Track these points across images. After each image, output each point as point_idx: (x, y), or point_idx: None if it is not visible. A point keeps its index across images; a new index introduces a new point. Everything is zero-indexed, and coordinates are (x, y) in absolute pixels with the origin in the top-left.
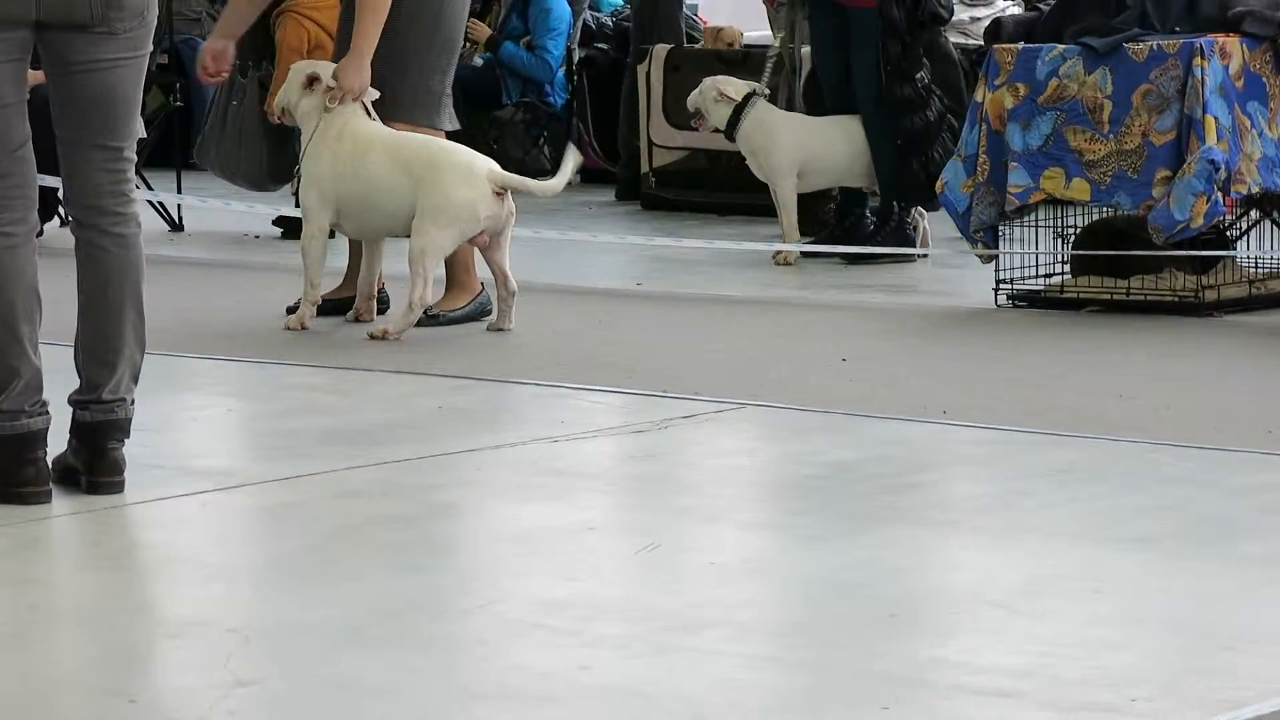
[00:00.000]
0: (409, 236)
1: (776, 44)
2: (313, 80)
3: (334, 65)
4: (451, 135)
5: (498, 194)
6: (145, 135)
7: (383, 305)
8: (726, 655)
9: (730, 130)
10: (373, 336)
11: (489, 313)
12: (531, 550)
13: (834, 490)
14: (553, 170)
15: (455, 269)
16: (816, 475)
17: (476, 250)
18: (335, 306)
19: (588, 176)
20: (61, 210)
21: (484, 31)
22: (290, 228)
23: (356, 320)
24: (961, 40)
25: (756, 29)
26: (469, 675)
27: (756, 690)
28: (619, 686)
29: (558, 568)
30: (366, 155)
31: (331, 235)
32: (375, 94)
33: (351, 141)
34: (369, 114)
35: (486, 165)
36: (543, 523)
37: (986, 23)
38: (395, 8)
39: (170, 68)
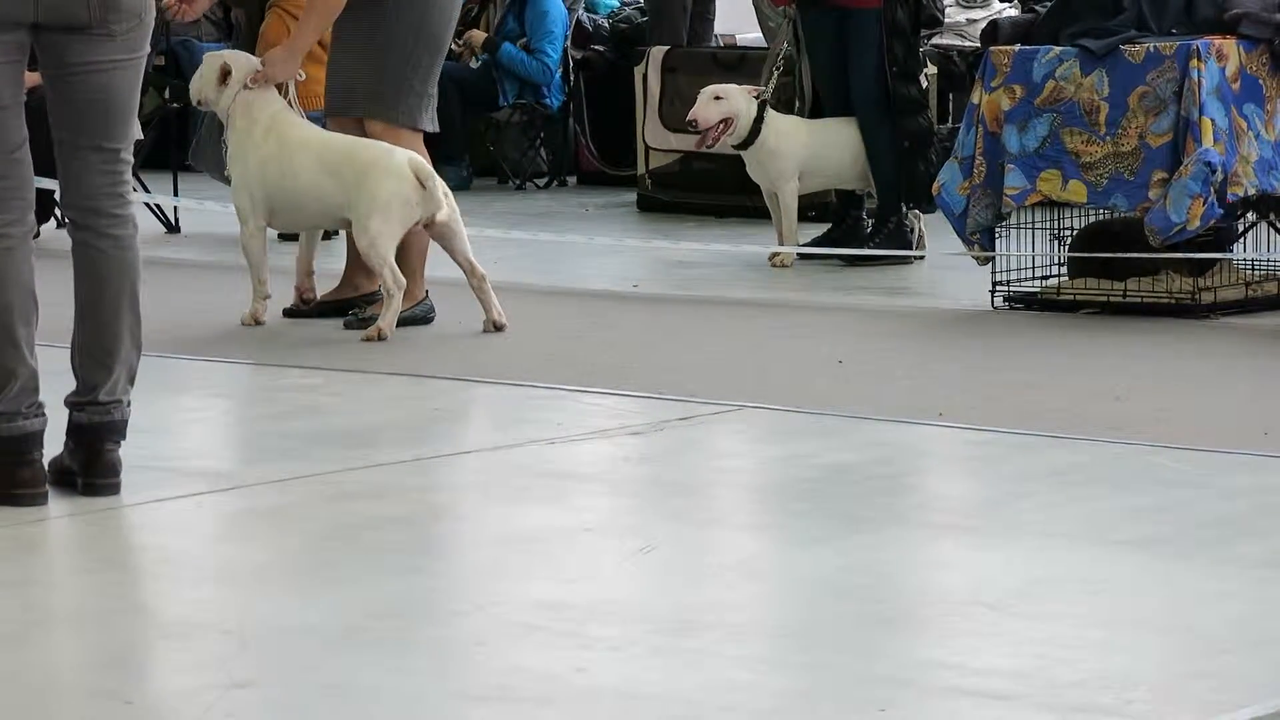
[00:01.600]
0: (342, 228)
1: (785, 46)
2: (226, 74)
3: (245, 56)
4: (446, 137)
5: (433, 185)
6: (142, 137)
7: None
8: (723, 657)
9: (751, 138)
10: (367, 339)
11: (429, 320)
12: (528, 552)
13: (830, 492)
14: (549, 172)
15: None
16: (813, 477)
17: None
18: (334, 308)
19: (584, 179)
20: (58, 212)
21: (479, 36)
22: None
23: (303, 302)
24: (957, 42)
25: (753, 32)
26: (466, 677)
27: (753, 692)
28: (616, 688)
29: (555, 569)
30: (294, 158)
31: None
32: (303, 75)
33: (277, 142)
34: (290, 105)
35: (406, 155)
36: (539, 524)
37: (983, 25)
38: (381, 4)
39: (167, 69)
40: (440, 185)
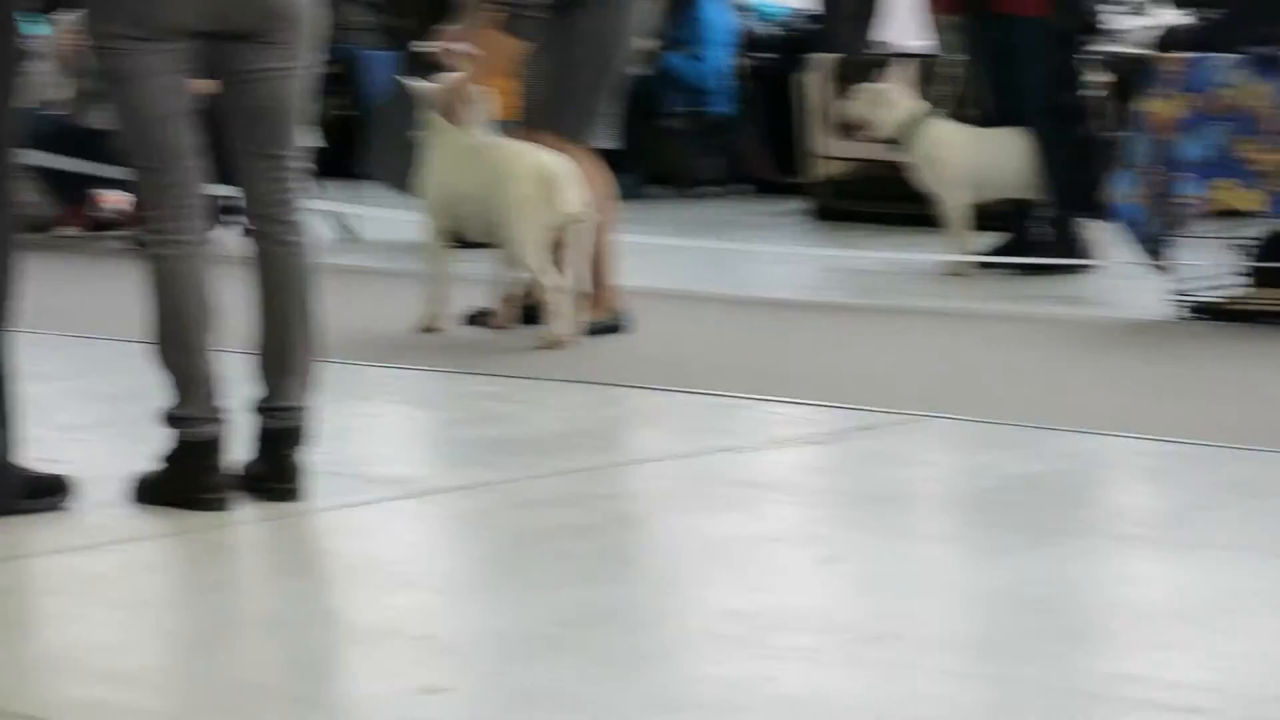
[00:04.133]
0: None
1: (949, 55)
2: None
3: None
4: (613, 149)
5: (565, 187)
6: (316, 144)
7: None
8: (911, 668)
9: (905, 144)
10: (543, 347)
11: (625, 329)
12: (713, 560)
13: (1013, 503)
14: (721, 180)
15: (592, 285)
16: (996, 487)
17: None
18: (531, 315)
19: (757, 186)
20: (235, 219)
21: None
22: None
23: (496, 328)
24: (1127, 50)
25: (922, 40)
26: (653, 685)
27: (941, 703)
28: (805, 697)
29: (740, 578)
30: (458, 166)
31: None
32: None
33: (450, 148)
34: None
35: (538, 157)
36: (724, 533)
37: (1154, 32)
38: (575, 27)
39: (337, 77)
40: (576, 193)
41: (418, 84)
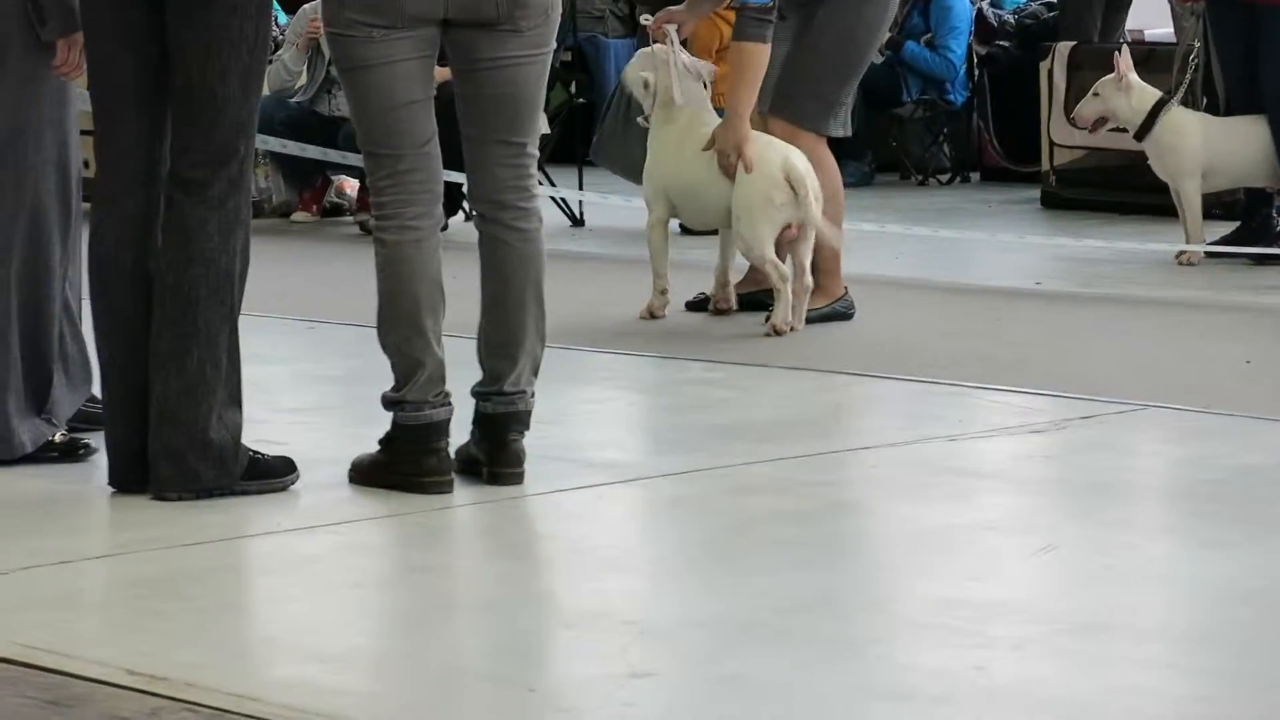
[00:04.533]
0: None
1: (1195, 43)
2: (646, 84)
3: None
4: (847, 137)
5: (798, 182)
6: (548, 131)
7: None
8: (1125, 660)
9: (1142, 132)
10: (767, 333)
11: (849, 317)
12: (928, 549)
13: (1237, 495)
14: (952, 168)
15: (816, 273)
16: (1218, 479)
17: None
18: (741, 301)
19: (987, 175)
20: (465, 205)
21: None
22: None
23: (716, 311)
24: None
25: (1163, 27)
26: (863, 673)
27: (1154, 697)
28: (1014, 688)
29: (954, 567)
30: (691, 153)
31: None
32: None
33: (681, 136)
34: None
35: (782, 155)
36: (939, 522)
37: None
38: (816, 16)
39: (573, 65)
40: (812, 192)
41: (630, 75)
